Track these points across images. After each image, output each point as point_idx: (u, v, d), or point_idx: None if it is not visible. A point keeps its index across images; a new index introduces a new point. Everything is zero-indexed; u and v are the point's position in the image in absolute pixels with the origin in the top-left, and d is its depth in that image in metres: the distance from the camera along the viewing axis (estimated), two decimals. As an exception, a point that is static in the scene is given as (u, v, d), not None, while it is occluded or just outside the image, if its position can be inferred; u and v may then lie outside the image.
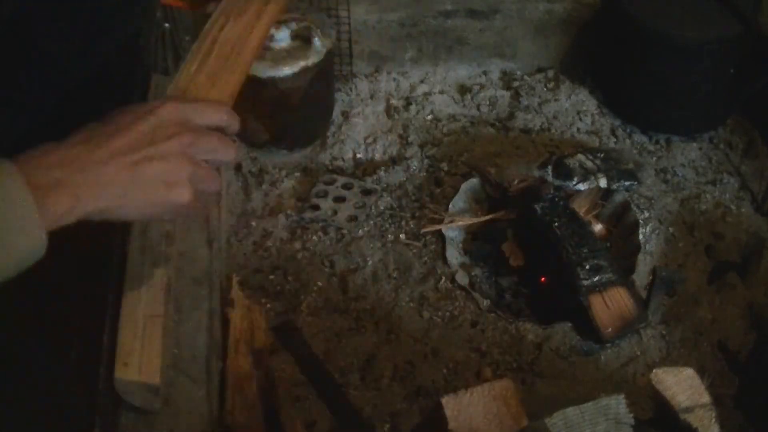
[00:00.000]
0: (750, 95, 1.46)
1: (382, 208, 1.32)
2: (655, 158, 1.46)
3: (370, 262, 1.23)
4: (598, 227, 1.27)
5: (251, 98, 1.27)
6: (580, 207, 1.26)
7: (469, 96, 1.57)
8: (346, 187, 1.35)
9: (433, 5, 1.58)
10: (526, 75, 1.62)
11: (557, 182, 1.29)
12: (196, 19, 1.36)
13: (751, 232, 1.32)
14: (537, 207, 1.20)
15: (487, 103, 1.56)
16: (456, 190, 1.32)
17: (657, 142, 1.49)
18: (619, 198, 1.31)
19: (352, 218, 1.30)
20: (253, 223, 1.28)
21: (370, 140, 1.45)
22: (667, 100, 1.47)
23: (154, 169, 0.71)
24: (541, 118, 1.52)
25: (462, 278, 1.20)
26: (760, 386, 1.09)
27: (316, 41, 1.32)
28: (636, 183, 1.36)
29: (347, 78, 1.56)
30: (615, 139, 1.49)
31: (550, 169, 1.31)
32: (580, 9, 1.60)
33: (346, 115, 1.49)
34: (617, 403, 0.74)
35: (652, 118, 1.51)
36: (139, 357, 0.86)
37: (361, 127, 1.47)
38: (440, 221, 1.27)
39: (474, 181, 1.33)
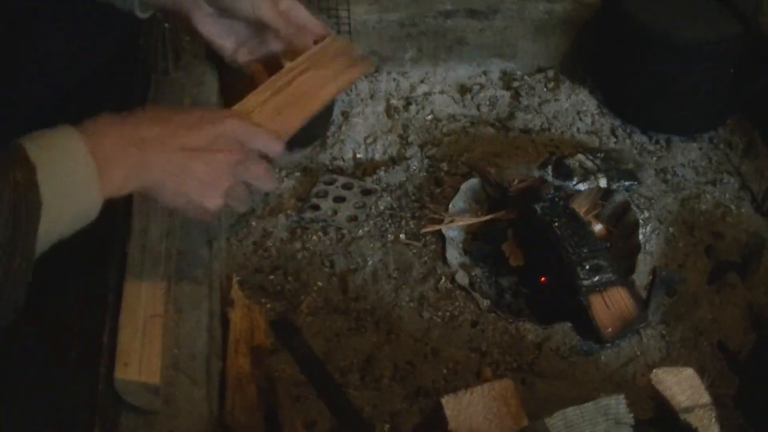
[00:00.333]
0: (750, 95, 1.46)
1: (382, 208, 1.32)
2: (655, 158, 1.46)
3: (370, 262, 1.23)
4: (598, 227, 1.27)
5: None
6: (580, 207, 1.26)
7: (469, 96, 1.57)
8: (346, 187, 1.35)
9: (433, 5, 1.58)
10: (526, 75, 1.62)
11: (557, 182, 1.29)
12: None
13: (751, 232, 1.32)
14: (537, 207, 1.20)
15: (487, 103, 1.56)
16: (456, 190, 1.32)
17: (657, 142, 1.49)
18: (619, 198, 1.31)
19: (352, 218, 1.30)
20: (253, 223, 1.28)
21: (370, 140, 1.45)
22: (667, 100, 1.47)
23: (201, 169, 0.78)
24: (541, 118, 1.52)
25: (462, 278, 1.20)
26: (760, 386, 1.09)
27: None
28: (636, 183, 1.36)
29: (347, 78, 1.56)
30: (615, 139, 1.49)
31: (550, 169, 1.31)
32: (580, 9, 1.60)
33: (346, 115, 1.49)
34: (617, 403, 0.74)
35: (652, 118, 1.50)
36: (139, 357, 0.86)
37: (361, 127, 1.47)
38: (440, 221, 1.27)
39: (474, 181, 1.33)
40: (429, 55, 1.61)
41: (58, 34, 0.97)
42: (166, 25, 1.32)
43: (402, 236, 1.27)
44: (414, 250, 1.25)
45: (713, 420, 0.78)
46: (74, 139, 0.68)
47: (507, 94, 1.58)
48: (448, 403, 0.78)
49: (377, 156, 1.43)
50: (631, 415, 0.74)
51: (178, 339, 0.96)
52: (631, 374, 1.11)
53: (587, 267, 1.14)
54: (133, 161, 0.73)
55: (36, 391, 0.79)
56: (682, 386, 0.80)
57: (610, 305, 1.12)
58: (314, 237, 1.27)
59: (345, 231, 1.28)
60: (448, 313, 1.17)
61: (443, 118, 1.52)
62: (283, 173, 1.38)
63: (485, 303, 1.17)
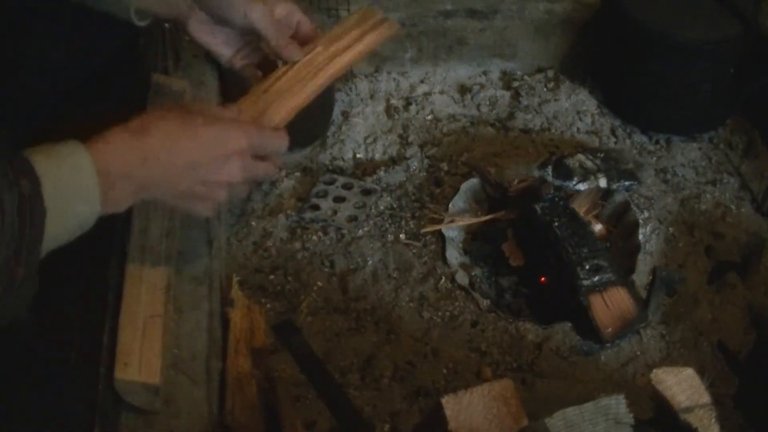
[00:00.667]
0: (750, 95, 1.46)
1: (382, 208, 1.32)
2: (655, 158, 1.46)
3: (370, 262, 1.23)
4: (598, 227, 1.27)
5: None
6: (580, 207, 1.26)
7: (469, 96, 1.57)
8: (346, 187, 1.35)
9: (433, 5, 1.58)
10: (526, 75, 1.62)
11: (557, 182, 1.29)
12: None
13: (751, 232, 1.32)
14: (537, 207, 1.20)
15: (487, 103, 1.56)
16: (456, 190, 1.32)
17: (657, 142, 1.49)
18: (619, 198, 1.31)
19: (352, 218, 1.30)
20: (253, 223, 1.28)
21: (370, 140, 1.45)
22: (667, 100, 1.47)
23: (202, 192, 0.81)
24: (541, 118, 1.52)
25: (462, 278, 1.20)
26: (760, 386, 1.09)
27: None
28: (636, 183, 1.36)
29: (347, 78, 1.56)
30: (615, 139, 1.49)
31: (550, 169, 1.31)
32: (580, 9, 1.60)
33: (346, 115, 1.49)
34: (617, 403, 0.74)
35: (652, 118, 1.51)
36: (139, 357, 0.86)
37: (361, 127, 1.47)
38: (440, 221, 1.27)
39: (474, 181, 1.33)
40: (429, 55, 1.61)
41: (58, 34, 0.97)
42: (166, 25, 1.32)
43: (402, 236, 1.27)
44: (414, 250, 1.25)
45: (713, 420, 0.78)
46: (82, 156, 0.69)
47: (507, 94, 1.58)
48: (448, 403, 0.78)
49: (377, 156, 1.43)
50: (631, 415, 0.74)
51: (178, 339, 0.96)
52: (631, 374, 1.11)
53: (587, 267, 1.14)
54: (137, 184, 0.74)
55: (36, 391, 0.79)
56: (682, 386, 0.80)
57: (610, 305, 1.12)
58: (314, 237, 1.27)
59: (345, 231, 1.28)
60: (448, 313, 1.17)
61: (443, 118, 1.52)
62: (283, 173, 1.38)
63: (485, 303, 1.17)
